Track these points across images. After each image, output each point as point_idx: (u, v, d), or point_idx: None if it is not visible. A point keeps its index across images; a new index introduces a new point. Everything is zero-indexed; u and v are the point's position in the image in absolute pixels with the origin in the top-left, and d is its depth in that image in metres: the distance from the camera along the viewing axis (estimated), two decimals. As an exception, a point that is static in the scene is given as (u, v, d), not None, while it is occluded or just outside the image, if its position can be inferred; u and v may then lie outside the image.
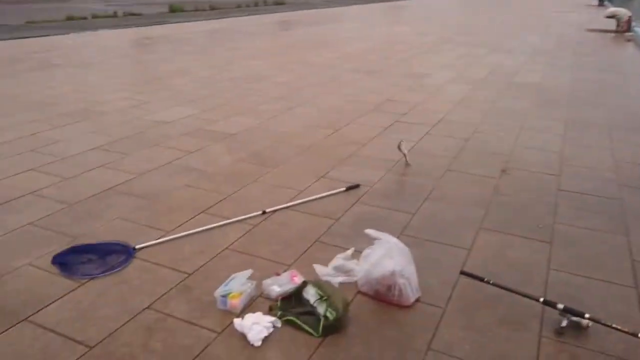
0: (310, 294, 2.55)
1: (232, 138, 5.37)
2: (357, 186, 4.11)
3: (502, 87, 7.91)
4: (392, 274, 2.61)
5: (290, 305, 2.57)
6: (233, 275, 2.71)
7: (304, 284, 2.60)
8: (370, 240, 2.82)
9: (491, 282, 2.70)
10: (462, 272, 2.83)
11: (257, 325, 2.39)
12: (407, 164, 4.61)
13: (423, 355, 2.31)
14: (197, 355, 2.28)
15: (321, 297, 2.49)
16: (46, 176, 4.27)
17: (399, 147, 4.66)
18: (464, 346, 2.37)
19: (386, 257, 2.66)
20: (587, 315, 2.44)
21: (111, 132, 5.45)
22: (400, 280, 2.62)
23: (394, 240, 2.75)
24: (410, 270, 2.70)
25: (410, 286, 2.65)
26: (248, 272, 2.71)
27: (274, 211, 3.67)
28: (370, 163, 4.66)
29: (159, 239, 3.26)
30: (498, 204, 3.86)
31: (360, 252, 2.96)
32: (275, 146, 5.11)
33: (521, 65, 9.76)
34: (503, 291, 2.69)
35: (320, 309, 2.48)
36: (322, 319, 2.41)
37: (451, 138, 5.41)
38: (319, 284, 2.58)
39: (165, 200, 3.87)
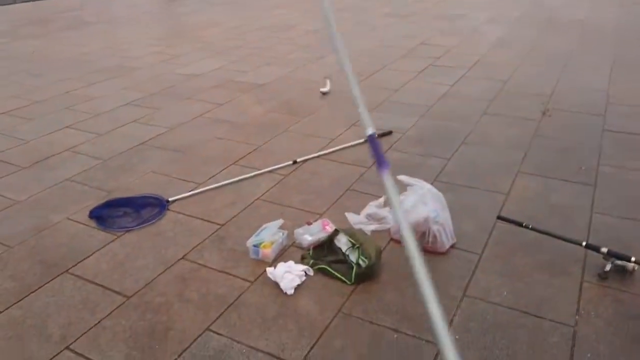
0: (342, 242, 2.51)
1: (262, 88, 5.28)
2: (389, 133, 4.00)
3: (543, 26, 7.47)
4: (426, 220, 2.54)
5: (322, 254, 2.55)
6: (264, 225, 2.70)
7: (336, 232, 2.57)
8: (404, 187, 2.74)
9: (530, 226, 2.59)
10: (500, 217, 2.73)
11: (289, 274, 2.38)
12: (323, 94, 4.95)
13: (458, 301, 2.27)
14: (232, 304, 2.30)
15: (353, 245, 2.45)
16: (81, 133, 4.33)
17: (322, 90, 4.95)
18: (501, 292, 2.31)
19: (420, 204, 2.59)
20: (633, 259, 2.33)
21: (143, 88, 5.45)
22: (435, 227, 2.55)
23: (427, 186, 2.67)
24: (445, 216, 2.62)
25: (445, 232, 2.57)
26: (279, 221, 2.69)
27: (305, 161, 3.62)
28: (403, 109, 4.52)
29: (191, 191, 3.27)
30: (538, 147, 3.69)
31: (393, 199, 2.89)
32: (305, 95, 5.01)
33: (564, 1, 9.17)
34: (543, 236, 2.59)
35: (353, 256, 2.45)
36: (355, 267, 2.39)
37: (488, 80, 5.17)
38: (351, 232, 2.54)
39: (196, 152, 3.87)
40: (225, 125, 4.35)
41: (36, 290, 2.46)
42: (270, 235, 2.60)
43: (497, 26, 7.56)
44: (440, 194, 2.67)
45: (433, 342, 2.04)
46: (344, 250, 2.49)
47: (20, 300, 2.39)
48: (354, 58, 6.17)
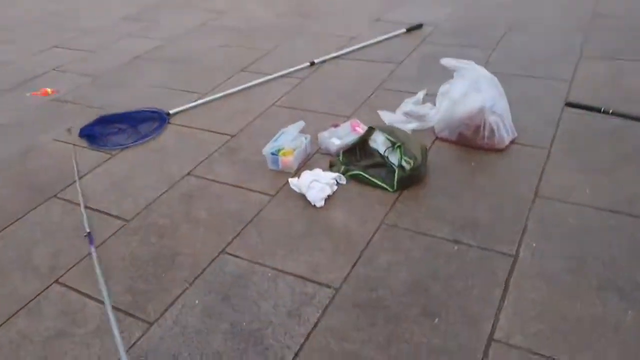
0: (379, 142, 2.06)
1: (268, -8, 4.68)
2: (419, 26, 3.44)
3: None
4: (481, 110, 2.06)
5: (355, 158, 2.11)
6: (282, 130, 2.25)
7: (370, 131, 2.10)
8: (449, 74, 2.25)
9: (611, 111, 2.10)
10: (568, 104, 2.24)
11: (316, 183, 1.95)
12: None
13: (530, 203, 1.83)
14: (250, 222, 1.90)
15: (393, 145, 2.00)
16: (70, 52, 3.83)
17: None
18: (583, 190, 1.86)
19: (472, 91, 2.10)
20: None
21: (136, 0, 4.87)
22: (492, 118, 2.07)
23: (480, 69, 2.16)
24: (503, 105, 2.14)
25: (504, 125, 2.10)
26: (299, 124, 2.23)
27: (324, 62, 3.11)
28: (431, 0, 3.91)
29: (195, 101, 2.81)
30: (599, 29, 3.11)
31: (434, 95, 2.42)
32: (318, -5, 4.41)
33: None
34: (623, 123, 2.11)
35: (393, 158, 2.00)
36: (397, 170, 1.94)
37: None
38: (390, 129, 2.07)
39: (199, 62, 3.37)
40: (231, 33, 3.81)
41: (21, 218, 2.08)
42: (290, 140, 2.15)
43: None
44: (495, 78, 2.17)
45: (504, 252, 1.63)
46: (381, 152, 2.04)
47: (1, 230, 2.02)
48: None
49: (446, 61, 2.19)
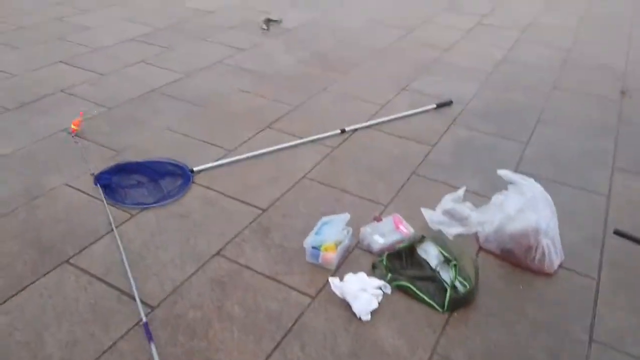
0: (431, 254, 1.96)
1: (290, 34, 4.57)
2: (449, 103, 3.39)
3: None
4: (536, 231, 1.99)
5: (401, 265, 1.99)
6: (325, 219, 2.12)
7: (421, 239, 2.00)
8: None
9: (662, 249, 2.07)
10: (617, 232, 2.20)
11: (364, 293, 1.83)
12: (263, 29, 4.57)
13: (586, 348, 1.75)
14: (290, 329, 1.75)
15: (448, 261, 1.90)
16: (78, 71, 3.62)
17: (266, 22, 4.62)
18: (637, 337, 1.80)
19: (528, 209, 2.02)
20: None
21: (147, 20, 4.68)
22: (545, 241, 2.00)
23: (538, 186, 2.10)
24: (555, 226, 2.08)
25: (554, 248, 2.04)
26: (345, 216, 2.11)
27: (354, 130, 3.01)
28: (458, 73, 3.88)
29: (220, 159, 2.66)
30: (628, 135, 3.13)
31: (472, 191, 2.36)
32: (340, 46, 4.32)
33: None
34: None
35: (445, 274, 1.90)
36: (449, 290, 1.84)
37: (547, 47, 4.53)
38: (442, 241, 1.97)
39: (220, 107, 3.22)
40: (250, 76, 3.68)
41: (28, 285, 1.87)
42: (334, 233, 2.02)
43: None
44: (549, 197, 2.11)
45: (567, 409, 1.54)
46: (432, 265, 1.94)
47: (7, 299, 1.81)
48: (388, 6, 5.46)
49: (504, 173, 2.12)
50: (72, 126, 2.80)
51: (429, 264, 1.95)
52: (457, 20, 5.13)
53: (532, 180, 2.11)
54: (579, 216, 2.39)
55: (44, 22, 4.50)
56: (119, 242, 2.06)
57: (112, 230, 2.13)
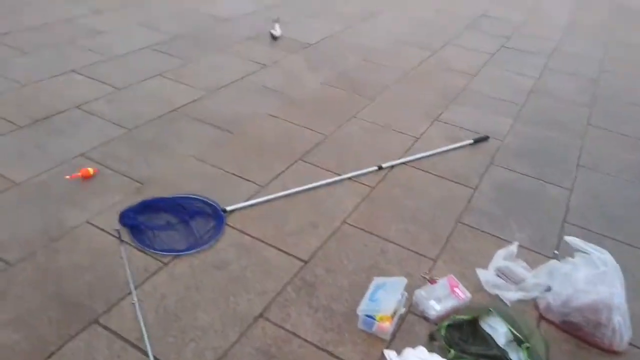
0: (499, 331, 1.79)
1: (312, 49, 4.38)
2: (486, 138, 3.24)
3: (609, 10, 6.68)
4: (609, 308, 1.85)
5: (461, 337, 1.83)
6: (378, 281, 1.95)
7: (487, 312, 1.85)
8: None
9: None
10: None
11: (427, 374, 1.67)
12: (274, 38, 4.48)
13: None
14: (349, 416, 1.59)
15: (518, 342, 1.74)
16: (92, 83, 3.40)
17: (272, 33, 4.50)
18: None
19: (599, 282, 1.88)
20: None
21: (162, 26, 4.46)
22: (617, 318, 1.86)
23: (609, 257, 1.95)
24: (624, 300, 1.93)
25: (624, 324, 1.90)
26: (402, 281, 1.94)
27: (392, 167, 2.84)
28: (488, 104, 3.73)
29: (253, 197, 2.47)
30: (673, 186, 3.01)
31: (522, 246, 2.23)
32: (365, 67, 4.15)
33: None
34: None
35: (514, 355, 1.74)
36: (520, 374, 1.69)
37: (576, 77, 4.41)
38: (511, 318, 1.81)
39: (248, 134, 3.03)
40: (277, 98, 3.49)
41: (55, 352, 1.68)
42: (392, 302, 1.86)
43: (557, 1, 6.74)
44: (619, 269, 1.96)
45: None
46: (499, 342, 1.78)
47: (31, 370, 1.61)
48: (412, 25, 5.30)
49: (572, 239, 1.97)
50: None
51: (494, 341, 1.79)
52: (479, 42, 4.98)
53: (602, 250, 1.96)
54: (637, 280, 2.25)
55: (54, 23, 4.26)
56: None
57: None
